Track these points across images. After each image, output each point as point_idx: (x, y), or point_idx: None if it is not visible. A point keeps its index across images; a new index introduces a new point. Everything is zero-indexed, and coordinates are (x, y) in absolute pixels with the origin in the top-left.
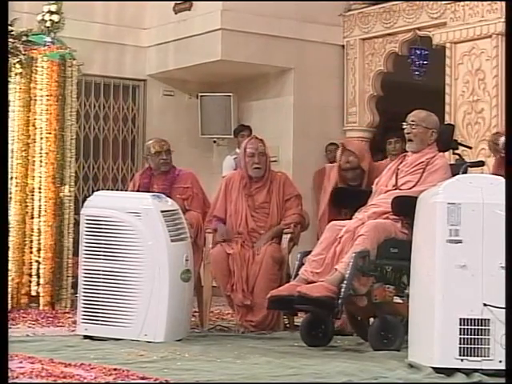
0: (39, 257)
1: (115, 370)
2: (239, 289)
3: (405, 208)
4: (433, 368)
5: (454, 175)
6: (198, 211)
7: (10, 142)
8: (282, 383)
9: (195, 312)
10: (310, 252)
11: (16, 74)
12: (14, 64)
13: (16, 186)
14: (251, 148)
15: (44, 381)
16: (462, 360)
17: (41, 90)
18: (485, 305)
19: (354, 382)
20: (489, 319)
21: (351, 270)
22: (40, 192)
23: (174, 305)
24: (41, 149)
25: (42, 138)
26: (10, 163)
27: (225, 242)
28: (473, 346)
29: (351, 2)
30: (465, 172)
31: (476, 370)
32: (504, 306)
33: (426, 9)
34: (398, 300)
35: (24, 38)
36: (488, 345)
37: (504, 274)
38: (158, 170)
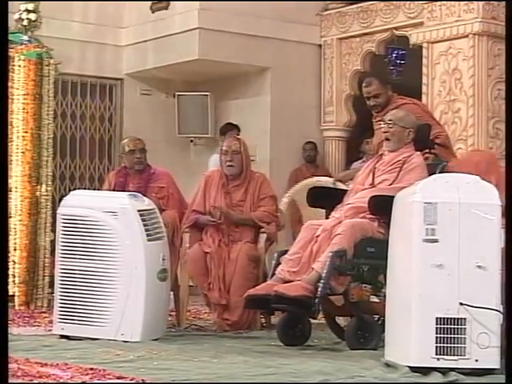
0: (15, 256)
1: (92, 369)
2: (216, 287)
3: (381, 207)
4: (409, 367)
5: (430, 174)
6: (174, 211)
7: None
8: (259, 383)
9: (172, 311)
10: (286, 251)
11: None
12: None
13: None
14: (225, 146)
15: (20, 381)
16: (438, 359)
17: (18, 88)
18: (461, 304)
19: (330, 382)
20: (465, 318)
21: (328, 269)
22: (16, 191)
23: (150, 304)
24: (17, 148)
25: (18, 137)
26: None
27: (202, 241)
28: (449, 345)
29: (328, 2)
30: (441, 171)
31: (452, 369)
32: (480, 305)
33: (403, 8)
34: (374, 299)
35: None
36: (464, 344)
37: (480, 273)
38: (132, 168)
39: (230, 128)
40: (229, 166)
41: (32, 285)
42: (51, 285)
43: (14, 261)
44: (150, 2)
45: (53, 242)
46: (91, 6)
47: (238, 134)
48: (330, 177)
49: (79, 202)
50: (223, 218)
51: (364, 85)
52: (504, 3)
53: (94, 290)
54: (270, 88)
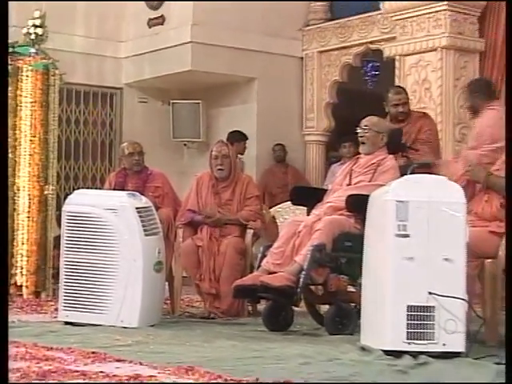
0: (23, 250)
1: (93, 353)
2: (206, 278)
3: (358, 205)
4: (383, 351)
5: (402, 175)
6: (169, 208)
7: None
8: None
9: (167, 300)
10: (271, 245)
11: None
12: None
13: None
14: (215, 151)
15: (28, 363)
16: (409, 343)
17: (26, 97)
18: (430, 293)
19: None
20: (434, 306)
21: (309, 262)
22: (25, 190)
23: (147, 293)
24: (25, 151)
25: (26, 141)
26: None
27: (195, 235)
28: (419, 330)
29: (309, 18)
30: (412, 172)
31: (422, 353)
32: (447, 294)
33: (377, 24)
34: (351, 289)
35: (10, 50)
36: (433, 330)
37: (447, 266)
38: (131, 169)
39: (239, 136)
40: (219, 169)
41: (43, 275)
42: (55, 276)
43: (21, 254)
44: (147, 18)
45: (57, 237)
46: (93, 21)
47: (245, 142)
48: (300, 174)
49: (82, 200)
50: (214, 223)
51: (394, 92)
52: (470, 19)
53: (95, 281)
54: (256, 96)
